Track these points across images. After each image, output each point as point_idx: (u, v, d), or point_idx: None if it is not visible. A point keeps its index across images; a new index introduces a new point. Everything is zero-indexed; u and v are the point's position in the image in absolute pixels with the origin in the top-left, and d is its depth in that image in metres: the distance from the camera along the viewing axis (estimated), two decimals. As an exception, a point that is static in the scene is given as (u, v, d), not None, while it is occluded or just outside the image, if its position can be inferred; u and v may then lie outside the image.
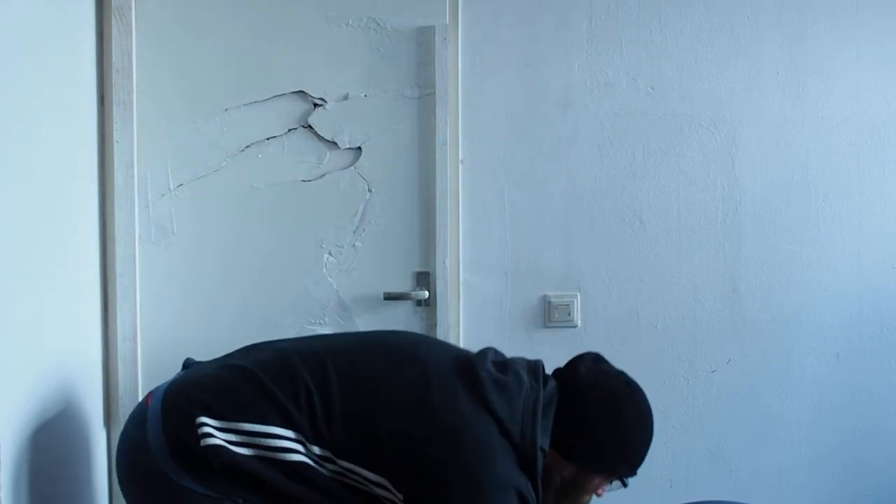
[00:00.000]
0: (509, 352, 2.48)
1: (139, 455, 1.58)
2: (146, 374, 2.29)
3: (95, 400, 2.20)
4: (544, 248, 2.48)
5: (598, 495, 1.76)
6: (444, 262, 2.39)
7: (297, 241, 2.38)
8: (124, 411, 2.24)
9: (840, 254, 2.54)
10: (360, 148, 2.38)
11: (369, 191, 2.39)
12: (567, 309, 2.49)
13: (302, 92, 2.36)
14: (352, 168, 2.39)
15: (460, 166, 2.43)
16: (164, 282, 2.33)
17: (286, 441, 1.55)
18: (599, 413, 1.67)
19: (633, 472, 1.72)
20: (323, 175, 2.38)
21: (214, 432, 1.54)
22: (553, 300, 2.48)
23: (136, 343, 2.29)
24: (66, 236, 2.01)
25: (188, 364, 1.76)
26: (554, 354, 2.49)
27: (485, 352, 1.73)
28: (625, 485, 1.74)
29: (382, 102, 2.35)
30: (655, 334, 2.51)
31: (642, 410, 1.72)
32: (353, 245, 2.39)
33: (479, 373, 1.62)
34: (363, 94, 2.37)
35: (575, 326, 2.49)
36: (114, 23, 2.25)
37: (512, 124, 2.46)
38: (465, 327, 2.46)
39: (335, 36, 2.37)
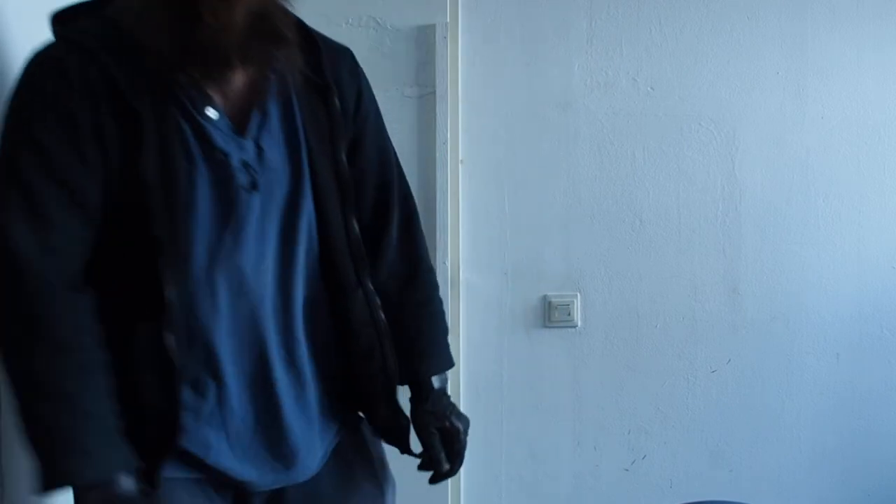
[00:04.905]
0: (509, 352, 2.51)
1: None
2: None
3: (94, 400, 2.19)
4: (544, 248, 2.48)
5: None
6: (444, 262, 2.38)
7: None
8: (123, 411, 2.23)
9: (840, 254, 2.54)
10: (360, 147, 2.38)
11: (369, 190, 2.39)
12: (567, 309, 2.48)
13: (302, 91, 2.36)
14: (352, 167, 2.38)
15: (460, 166, 2.42)
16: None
17: None
18: None
19: None
20: (323, 174, 2.38)
21: None
22: (553, 300, 2.48)
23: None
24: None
25: None
26: (554, 354, 2.52)
27: None
28: None
29: (382, 101, 2.29)
30: (655, 334, 2.51)
31: None
32: (353, 245, 2.38)
33: None
34: (363, 94, 2.36)
35: (575, 326, 2.49)
36: (113, 22, 2.24)
37: (512, 124, 2.46)
38: (464, 327, 2.45)
39: (335, 35, 2.32)
